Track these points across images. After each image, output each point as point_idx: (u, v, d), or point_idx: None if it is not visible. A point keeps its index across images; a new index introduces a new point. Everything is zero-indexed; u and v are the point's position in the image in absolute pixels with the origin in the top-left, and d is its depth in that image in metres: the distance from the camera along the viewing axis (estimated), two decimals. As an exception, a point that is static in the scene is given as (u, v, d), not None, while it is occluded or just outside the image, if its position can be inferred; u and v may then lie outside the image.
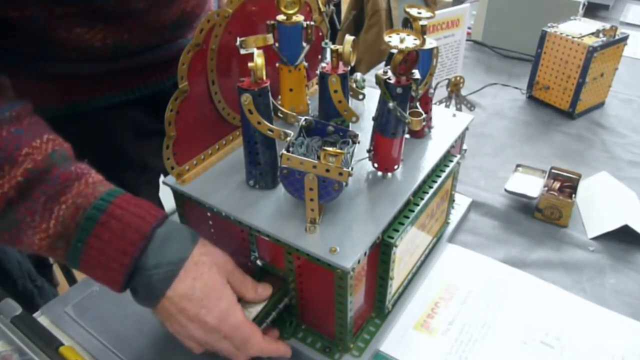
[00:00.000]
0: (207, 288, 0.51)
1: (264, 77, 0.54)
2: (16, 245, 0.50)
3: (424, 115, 0.57)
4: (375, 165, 0.61)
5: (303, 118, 0.57)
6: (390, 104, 0.54)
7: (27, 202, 0.48)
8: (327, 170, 0.50)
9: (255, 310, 0.56)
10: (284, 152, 0.51)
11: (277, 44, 0.64)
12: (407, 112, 0.56)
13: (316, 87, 0.71)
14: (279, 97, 0.70)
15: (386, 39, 0.52)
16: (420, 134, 0.67)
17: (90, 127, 0.73)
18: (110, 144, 0.77)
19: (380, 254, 0.57)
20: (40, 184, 0.48)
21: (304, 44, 0.66)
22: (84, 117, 0.72)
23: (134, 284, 0.50)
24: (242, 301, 0.56)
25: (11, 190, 0.47)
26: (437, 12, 0.92)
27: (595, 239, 0.77)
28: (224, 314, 0.51)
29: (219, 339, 0.52)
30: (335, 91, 0.61)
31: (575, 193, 0.80)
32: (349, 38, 0.61)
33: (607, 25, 1.05)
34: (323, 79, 0.62)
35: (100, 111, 0.73)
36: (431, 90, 0.67)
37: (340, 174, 0.50)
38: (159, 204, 0.98)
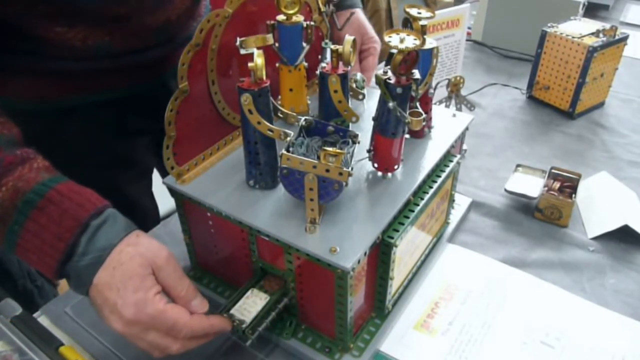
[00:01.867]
0: (125, 278, 0.49)
1: (264, 77, 0.54)
2: None
3: (424, 116, 0.57)
4: (375, 165, 0.61)
5: (303, 118, 0.57)
6: (390, 104, 0.54)
7: None
8: (327, 170, 0.50)
9: (255, 310, 0.56)
10: (284, 152, 0.51)
11: (277, 44, 0.64)
12: (407, 112, 0.56)
13: (316, 87, 0.71)
14: (279, 97, 0.70)
15: (386, 39, 0.52)
16: (420, 134, 0.67)
17: (76, 123, 0.74)
18: (95, 140, 0.77)
19: (380, 254, 0.57)
20: None
21: (304, 44, 0.66)
22: (70, 113, 0.73)
23: (67, 270, 0.50)
24: (242, 301, 0.57)
25: None
26: (437, 12, 0.92)
27: (595, 239, 0.77)
28: (139, 305, 0.49)
29: (142, 331, 0.50)
30: (335, 91, 0.61)
31: (575, 193, 0.80)
32: (349, 38, 0.61)
33: (607, 25, 1.05)
34: (323, 79, 0.62)
35: (86, 108, 0.73)
36: (431, 90, 0.67)
37: (340, 174, 0.50)
38: (151, 201, 0.98)
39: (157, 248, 0.52)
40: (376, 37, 0.86)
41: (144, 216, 0.93)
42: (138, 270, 0.50)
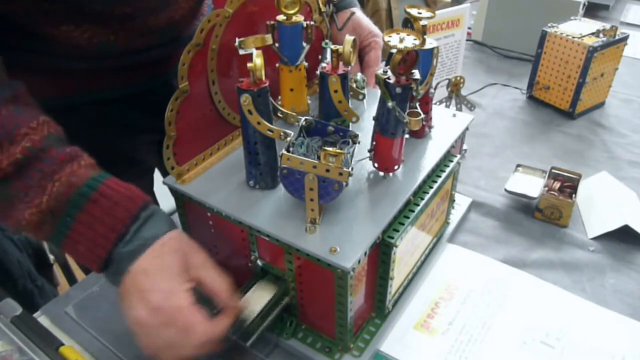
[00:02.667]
0: (162, 267, 0.51)
1: (263, 78, 0.54)
2: (4, 220, 0.51)
3: (422, 116, 0.57)
4: (376, 165, 0.61)
5: (303, 118, 0.57)
6: (390, 104, 0.54)
7: (24, 178, 0.50)
8: (327, 170, 0.50)
9: (257, 308, 0.56)
10: (284, 152, 0.51)
11: (277, 44, 0.64)
12: (406, 112, 0.56)
13: (316, 87, 0.71)
14: (279, 97, 0.70)
15: (386, 38, 0.52)
16: (420, 134, 0.67)
17: (77, 121, 0.74)
18: (97, 138, 0.77)
19: (381, 254, 0.57)
20: (37, 162, 0.50)
21: (304, 44, 0.66)
22: (71, 111, 0.73)
23: (111, 259, 0.51)
24: (244, 300, 0.57)
25: (9, 166, 0.49)
26: (437, 12, 0.92)
27: (595, 239, 0.77)
28: (167, 294, 0.50)
29: (162, 325, 0.50)
30: (335, 91, 0.61)
31: (575, 193, 0.80)
32: (349, 38, 0.61)
33: (607, 25, 1.05)
34: (323, 79, 0.62)
35: (88, 106, 0.74)
36: (431, 90, 0.67)
37: (341, 174, 0.50)
38: (153, 200, 0.98)
39: (197, 247, 0.55)
40: (376, 31, 0.84)
41: None
42: (176, 264, 0.52)
